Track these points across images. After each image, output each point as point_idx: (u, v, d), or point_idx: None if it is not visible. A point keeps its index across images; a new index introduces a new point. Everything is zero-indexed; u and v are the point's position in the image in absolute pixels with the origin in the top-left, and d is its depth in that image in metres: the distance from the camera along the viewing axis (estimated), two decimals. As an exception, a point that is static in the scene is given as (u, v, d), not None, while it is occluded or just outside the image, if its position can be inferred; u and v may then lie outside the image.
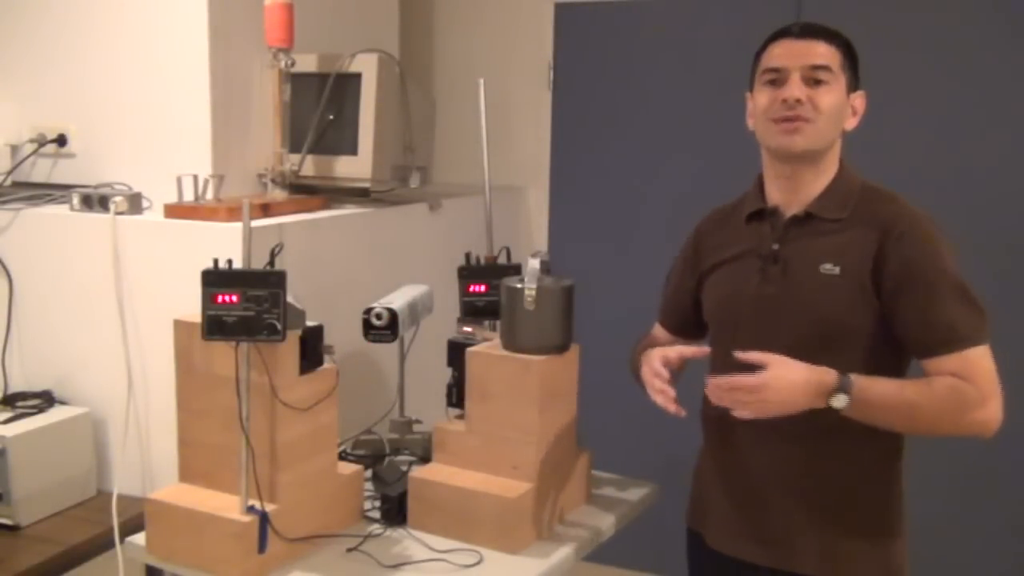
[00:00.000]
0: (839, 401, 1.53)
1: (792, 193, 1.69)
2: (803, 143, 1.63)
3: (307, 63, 2.45)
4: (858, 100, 1.68)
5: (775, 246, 1.68)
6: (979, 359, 1.57)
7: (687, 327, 1.91)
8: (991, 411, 1.56)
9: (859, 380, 1.54)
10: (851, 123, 1.68)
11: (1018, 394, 1.67)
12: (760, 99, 1.67)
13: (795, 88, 1.61)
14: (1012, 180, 2.82)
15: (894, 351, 1.64)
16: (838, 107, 1.63)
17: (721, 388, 1.56)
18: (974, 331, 1.57)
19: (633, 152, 3.30)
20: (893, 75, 2.83)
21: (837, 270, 1.61)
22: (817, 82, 1.61)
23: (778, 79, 1.64)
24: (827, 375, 1.54)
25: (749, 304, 1.71)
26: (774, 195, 1.72)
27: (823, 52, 1.62)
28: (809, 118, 1.61)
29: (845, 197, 1.66)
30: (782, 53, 1.64)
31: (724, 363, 1.68)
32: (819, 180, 1.67)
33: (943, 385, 1.55)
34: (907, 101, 2.87)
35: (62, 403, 2.23)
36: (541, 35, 3.41)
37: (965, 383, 1.55)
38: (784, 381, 1.53)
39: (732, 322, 1.75)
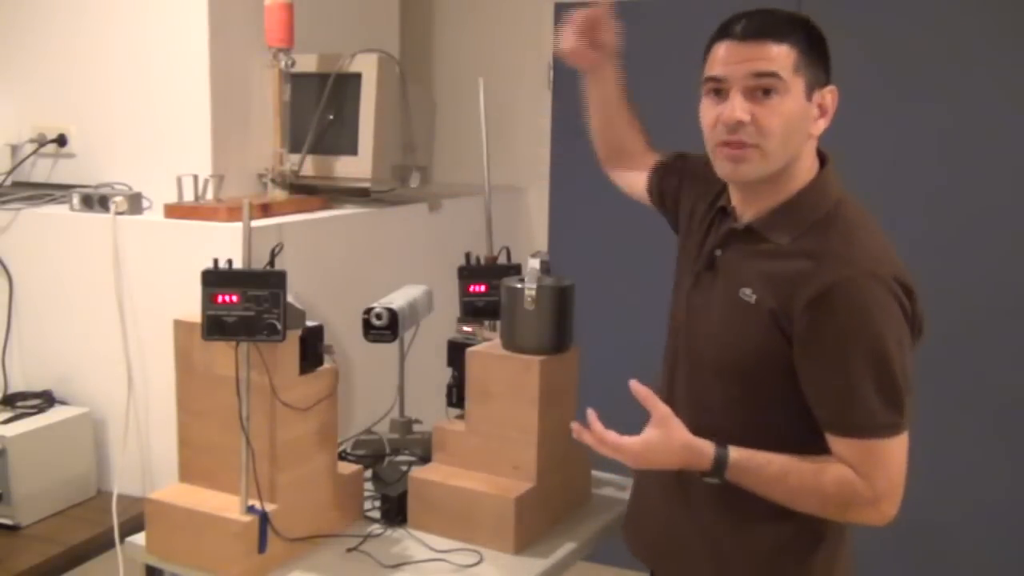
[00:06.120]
0: (711, 480, 1.43)
1: (746, 205, 1.50)
2: (749, 172, 1.42)
3: (307, 63, 2.45)
4: (828, 97, 1.42)
5: (717, 252, 1.52)
6: (885, 453, 1.36)
7: (652, 184, 1.81)
8: (883, 511, 1.37)
9: (736, 464, 1.40)
10: (818, 126, 1.42)
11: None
12: (705, 113, 1.46)
13: (736, 108, 1.38)
14: (1013, 180, 2.82)
15: None
16: (792, 122, 1.38)
17: (583, 434, 1.46)
18: (885, 423, 1.35)
19: (633, 152, 3.29)
20: (893, 74, 2.84)
21: (754, 299, 1.42)
22: (765, 92, 1.37)
23: (721, 89, 1.42)
24: (703, 459, 1.41)
25: (682, 309, 1.59)
26: (735, 196, 1.54)
27: (771, 56, 1.36)
28: (755, 143, 1.39)
29: (799, 220, 1.43)
30: (724, 58, 1.41)
31: (666, 359, 1.63)
32: (779, 195, 1.45)
33: (831, 479, 1.37)
34: (907, 100, 2.87)
35: (62, 403, 2.23)
36: (541, 35, 3.40)
37: (857, 480, 1.36)
38: (654, 455, 1.43)
39: (672, 322, 1.63)
